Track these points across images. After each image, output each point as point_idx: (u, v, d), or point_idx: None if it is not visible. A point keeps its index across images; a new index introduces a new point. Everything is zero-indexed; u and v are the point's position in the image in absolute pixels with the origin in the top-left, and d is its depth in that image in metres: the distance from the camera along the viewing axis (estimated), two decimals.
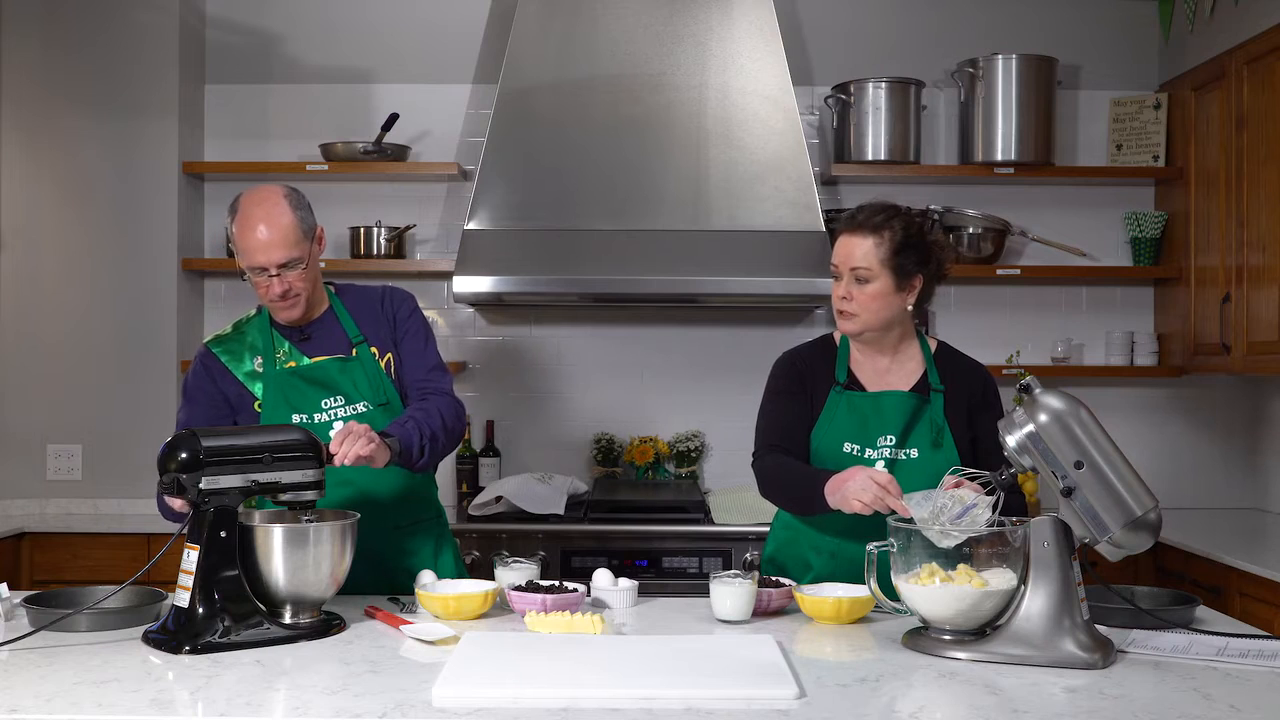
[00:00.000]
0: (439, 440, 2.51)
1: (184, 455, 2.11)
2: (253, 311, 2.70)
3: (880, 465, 2.51)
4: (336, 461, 2.30)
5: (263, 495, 2.20)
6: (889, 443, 2.53)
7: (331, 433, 2.51)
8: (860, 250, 2.50)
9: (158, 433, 3.43)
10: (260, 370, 2.59)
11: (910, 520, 2.13)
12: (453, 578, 2.60)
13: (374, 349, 2.64)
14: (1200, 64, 4.13)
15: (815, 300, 4.07)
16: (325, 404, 2.57)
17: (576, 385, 4.45)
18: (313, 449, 2.24)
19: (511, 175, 3.99)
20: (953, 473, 2.20)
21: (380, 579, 2.57)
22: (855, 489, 2.29)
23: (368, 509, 2.46)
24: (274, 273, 2.49)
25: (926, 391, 2.57)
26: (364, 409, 2.59)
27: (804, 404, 2.60)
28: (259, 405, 2.57)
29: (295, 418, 2.55)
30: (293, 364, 2.59)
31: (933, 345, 2.64)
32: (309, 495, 2.24)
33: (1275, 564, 3.18)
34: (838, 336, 2.66)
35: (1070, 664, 1.95)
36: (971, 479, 2.19)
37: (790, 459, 2.54)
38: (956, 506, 2.11)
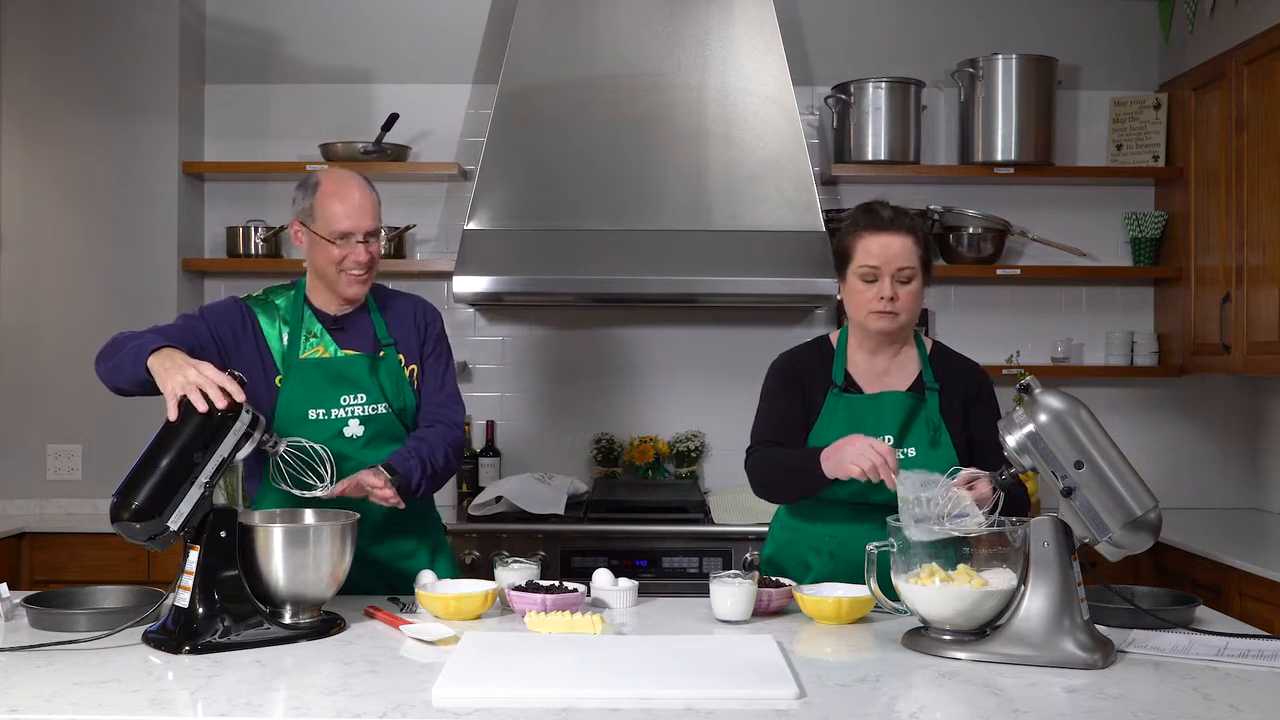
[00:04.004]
0: (438, 475, 2.57)
1: (136, 506, 2.06)
2: (287, 284, 2.70)
3: None
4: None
5: (229, 474, 2.19)
6: (887, 442, 2.52)
7: (346, 430, 2.56)
8: (905, 249, 2.49)
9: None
10: (285, 344, 2.59)
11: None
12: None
13: (401, 355, 2.66)
14: (1200, 64, 4.12)
15: (815, 300, 4.07)
16: (345, 400, 2.58)
17: (576, 385, 4.45)
18: (211, 407, 2.14)
19: (511, 175, 3.99)
20: (952, 473, 2.20)
21: (375, 585, 2.57)
22: (854, 453, 2.30)
23: (367, 512, 2.47)
24: (360, 239, 2.55)
25: (923, 391, 2.57)
26: (384, 410, 2.61)
27: (800, 404, 2.59)
28: (279, 380, 2.56)
29: (312, 413, 2.56)
30: (321, 349, 2.60)
31: (928, 345, 2.64)
32: (259, 436, 2.20)
33: (1275, 564, 3.18)
34: (834, 338, 2.66)
35: (1070, 664, 1.96)
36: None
37: (780, 448, 2.55)
38: (948, 505, 2.11)
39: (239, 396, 2.17)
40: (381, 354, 2.63)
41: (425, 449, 2.54)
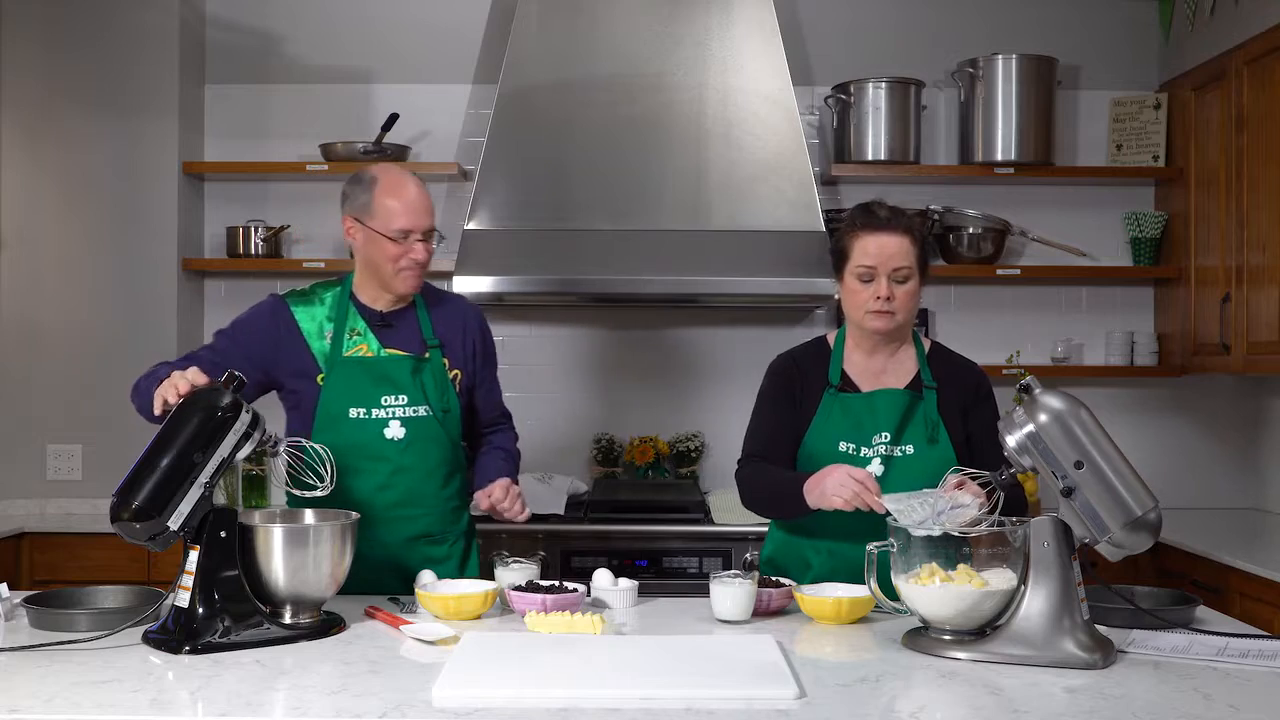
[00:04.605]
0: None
1: (136, 506, 2.06)
2: (334, 280, 2.70)
3: (876, 463, 2.51)
4: (510, 516, 2.61)
5: (229, 474, 2.20)
6: (884, 440, 2.53)
7: (387, 431, 2.57)
8: (902, 249, 2.49)
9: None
10: (329, 343, 2.59)
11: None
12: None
13: (446, 359, 2.66)
14: (1200, 64, 4.12)
15: (815, 300, 4.07)
16: (386, 400, 2.58)
17: (576, 385, 4.45)
18: (208, 407, 2.15)
19: (511, 175, 3.99)
20: (953, 473, 2.20)
21: (406, 587, 2.56)
22: (833, 485, 2.31)
23: (401, 517, 2.48)
24: (420, 237, 2.57)
25: (920, 389, 2.57)
26: (424, 413, 2.60)
27: (791, 412, 2.59)
28: (321, 379, 2.57)
29: (353, 411, 2.56)
30: (364, 347, 2.59)
31: (926, 345, 2.65)
32: (259, 436, 2.21)
33: (1275, 564, 3.18)
34: (832, 338, 2.66)
35: (1070, 664, 1.96)
36: (972, 479, 2.19)
37: (769, 465, 2.55)
38: (941, 502, 2.11)
39: (199, 381, 2.19)
40: (426, 355, 2.63)
41: (510, 466, 2.75)
